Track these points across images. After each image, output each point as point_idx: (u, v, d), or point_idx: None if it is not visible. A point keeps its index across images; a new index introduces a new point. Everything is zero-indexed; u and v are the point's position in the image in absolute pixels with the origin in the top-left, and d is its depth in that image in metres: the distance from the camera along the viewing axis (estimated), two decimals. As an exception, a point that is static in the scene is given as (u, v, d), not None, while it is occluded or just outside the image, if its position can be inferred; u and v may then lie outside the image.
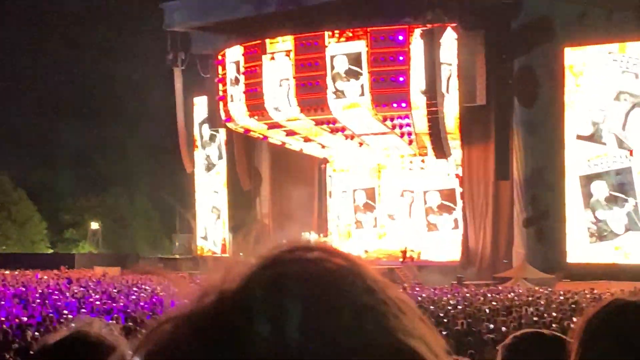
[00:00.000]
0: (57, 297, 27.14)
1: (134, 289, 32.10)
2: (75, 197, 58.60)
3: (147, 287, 32.67)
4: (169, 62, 50.10)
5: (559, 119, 39.90)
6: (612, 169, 38.74)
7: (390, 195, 48.60)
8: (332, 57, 41.87)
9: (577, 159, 39.51)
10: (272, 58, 43.55)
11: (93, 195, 58.06)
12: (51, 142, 58.18)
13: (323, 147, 49.11)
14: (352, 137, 45.60)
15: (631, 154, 38.27)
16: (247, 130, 48.10)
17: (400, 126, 43.29)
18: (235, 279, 1.09)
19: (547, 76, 40.18)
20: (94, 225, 58.05)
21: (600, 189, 39.01)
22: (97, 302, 25.28)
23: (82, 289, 31.62)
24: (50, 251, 59.65)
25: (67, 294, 28.47)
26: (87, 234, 58.29)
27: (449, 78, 40.83)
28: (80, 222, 58.34)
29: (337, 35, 41.81)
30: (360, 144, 46.64)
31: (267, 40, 43.81)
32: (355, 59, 41.40)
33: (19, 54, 58.83)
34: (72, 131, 57.39)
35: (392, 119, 42.71)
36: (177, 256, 54.11)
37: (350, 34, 41.53)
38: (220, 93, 47.57)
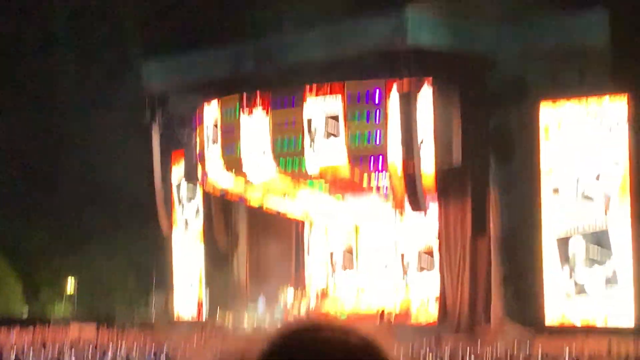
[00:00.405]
0: (32, 358, 26.86)
1: (109, 349, 31.82)
2: (50, 256, 58.11)
3: (122, 348, 32.45)
4: (147, 121, 50.15)
5: (534, 176, 40.15)
6: (588, 226, 38.89)
7: (369, 253, 48.56)
8: (308, 114, 42.10)
9: (553, 216, 39.68)
10: (250, 113, 43.76)
11: (69, 254, 57.59)
12: (26, 201, 57.81)
13: (300, 204, 49.11)
14: (329, 194, 45.67)
15: (606, 212, 38.48)
16: (225, 192, 48.08)
17: (378, 182, 43.45)
18: (253, 356, 1.08)
19: (523, 133, 40.51)
20: (70, 284, 57.53)
21: (577, 247, 39.13)
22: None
23: (57, 349, 31.30)
24: (26, 310, 59.00)
25: (42, 355, 28.18)
26: (62, 292, 57.73)
27: (424, 136, 41.07)
28: (56, 281, 57.85)
29: (314, 91, 42.09)
30: (338, 201, 46.69)
31: (245, 96, 44.07)
32: (332, 116, 41.64)
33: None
34: (48, 189, 57.09)
35: (369, 176, 42.86)
36: (153, 315, 53.70)
37: (328, 90, 41.83)
38: (198, 149, 47.68)
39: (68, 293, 57.45)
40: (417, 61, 39.91)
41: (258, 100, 43.44)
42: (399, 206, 45.20)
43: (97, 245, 55.42)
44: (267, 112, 42.99)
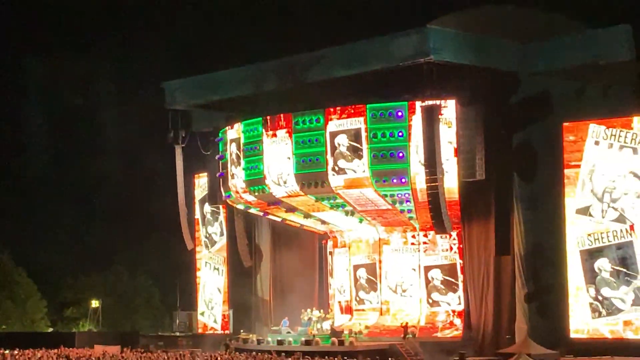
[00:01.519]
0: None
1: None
2: (75, 276, 58.38)
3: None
4: (170, 140, 50.39)
5: (558, 193, 39.98)
6: (613, 244, 38.70)
7: (392, 271, 48.40)
8: (332, 134, 42.09)
9: (577, 233, 39.50)
10: (274, 135, 43.81)
11: (94, 273, 57.90)
12: (51, 220, 58.18)
13: (323, 223, 49.12)
14: (352, 213, 45.61)
15: (632, 229, 38.29)
16: (248, 207, 48.18)
17: (401, 202, 43.34)
18: None
19: (546, 151, 40.36)
20: (95, 304, 57.77)
21: (603, 264, 38.91)
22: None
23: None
24: (51, 330, 59.24)
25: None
26: (87, 312, 57.98)
27: (448, 154, 40.94)
28: (81, 300, 58.08)
29: (338, 112, 42.09)
30: (361, 220, 46.64)
31: (268, 118, 44.12)
32: (355, 135, 41.58)
33: (16, 135, 59.13)
34: (72, 209, 57.48)
35: (392, 195, 42.77)
36: (178, 334, 53.76)
37: (352, 111, 41.78)
38: (221, 170, 47.81)
39: (93, 312, 57.71)
40: (440, 77, 39.88)
41: (281, 121, 43.50)
42: (423, 223, 45.14)
43: (122, 264, 55.73)
44: (289, 134, 43.02)
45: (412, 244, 47.79)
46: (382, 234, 48.58)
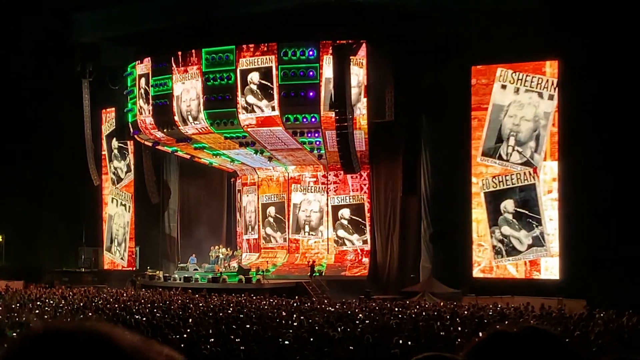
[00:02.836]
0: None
1: (38, 302, 31.46)
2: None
3: (51, 302, 32.14)
4: (77, 74, 49.41)
5: (466, 135, 40.56)
6: (516, 186, 39.53)
7: (301, 210, 48.70)
8: (242, 72, 41.74)
9: (483, 175, 40.26)
10: (184, 71, 43.27)
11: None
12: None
13: (232, 161, 48.96)
14: (262, 152, 45.55)
15: (535, 172, 39.12)
16: (156, 143, 47.64)
17: (310, 142, 43.41)
18: None
19: (455, 93, 40.80)
20: (-3, 239, 56.87)
21: (506, 206, 39.74)
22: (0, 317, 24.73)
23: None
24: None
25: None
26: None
27: (358, 93, 41.09)
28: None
29: (251, 50, 41.70)
30: (270, 159, 46.64)
31: (179, 53, 43.51)
32: (265, 74, 41.31)
33: None
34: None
35: (302, 134, 42.78)
36: (83, 270, 53.27)
37: (266, 49, 41.42)
38: (130, 106, 47.12)
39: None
40: (352, 17, 39.83)
41: (192, 57, 42.93)
42: (332, 162, 45.35)
43: (26, 199, 54.68)
44: (200, 70, 42.48)
45: (323, 183, 48.09)
46: (292, 173, 48.71)
